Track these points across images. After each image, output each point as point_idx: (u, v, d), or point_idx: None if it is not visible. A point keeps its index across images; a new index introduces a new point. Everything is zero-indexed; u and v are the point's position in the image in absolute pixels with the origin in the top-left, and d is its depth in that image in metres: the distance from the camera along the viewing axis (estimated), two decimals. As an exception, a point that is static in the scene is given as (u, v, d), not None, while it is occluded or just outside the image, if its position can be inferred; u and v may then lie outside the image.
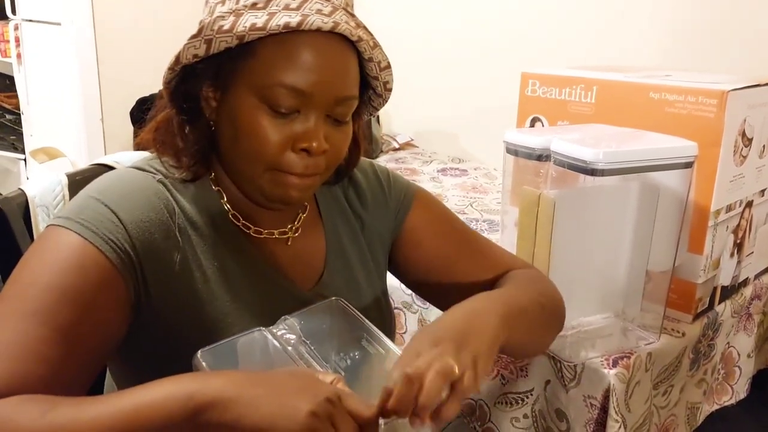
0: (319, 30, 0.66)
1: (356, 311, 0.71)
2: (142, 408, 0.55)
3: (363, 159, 0.88)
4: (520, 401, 0.96)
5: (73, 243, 0.65)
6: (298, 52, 0.66)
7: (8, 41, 2.99)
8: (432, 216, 0.89)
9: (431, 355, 0.59)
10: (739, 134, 1.00)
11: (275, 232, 0.78)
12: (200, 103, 0.71)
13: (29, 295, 0.62)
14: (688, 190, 0.93)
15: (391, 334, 0.87)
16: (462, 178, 1.89)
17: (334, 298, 0.73)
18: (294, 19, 0.65)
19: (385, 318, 0.85)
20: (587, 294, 0.94)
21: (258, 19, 0.65)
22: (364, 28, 0.71)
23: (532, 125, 1.17)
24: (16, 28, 2.91)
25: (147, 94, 2.55)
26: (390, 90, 0.77)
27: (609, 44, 1.75)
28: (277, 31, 0.65)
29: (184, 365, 0.63)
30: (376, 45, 0.72)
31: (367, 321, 0.71)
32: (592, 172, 0.83)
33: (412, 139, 2.26)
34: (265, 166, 0.69)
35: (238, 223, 0.75)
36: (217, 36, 0.65)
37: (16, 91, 3.09)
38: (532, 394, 0.96)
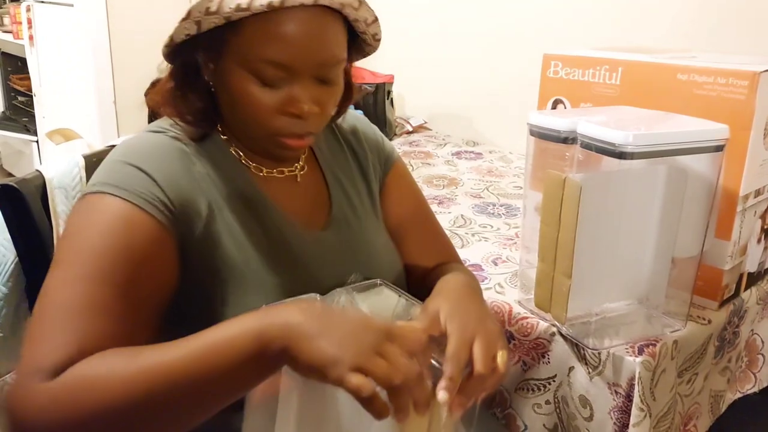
0: (301, 5, 0.69)
1: (399, 290, 0.77)
2: (218, 344, 0.58)
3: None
4: (542, 387, 0.95)
5: (115, 205, 0.68)
6: (281, 28, 0.69)
7: (20, 23, 2.98)
8: (405, 183, 0.96)
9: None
10: (769, 117, 0.97)
11: (285, 170, 0.83)
12: (198, 67, 0.76)
13: (85, 259, 0.66)
14: (718, 175, 0.91)
15: (400, 280, 0.90)
16: (477, 161, 1.86)
17: (378, 280, 0.78)
18: None
19: (390, 252, 0.89)
20: (611, 280, 0.92)
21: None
22: None
23: (554, 107, 1.14)
24: (28, 9, 2.89)
25: (161, 75, 2.53)
26: (379, 40, 0.82)
27: (629, 26, 1.71)
28: (260, 11, 0.68)
29: (225, 309, 0.70)
30: (361, 3, 0.74)
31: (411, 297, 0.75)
32: (621, 155, 0.81)
33: (425, 122, 2.23)
34: (260, 130, 0.74)
35: (249, 166, 0.80)
36: (205, 17, 0.69)
37: (28, 72, 3.08)
38: (554, 381, 0.95)
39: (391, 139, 2.07)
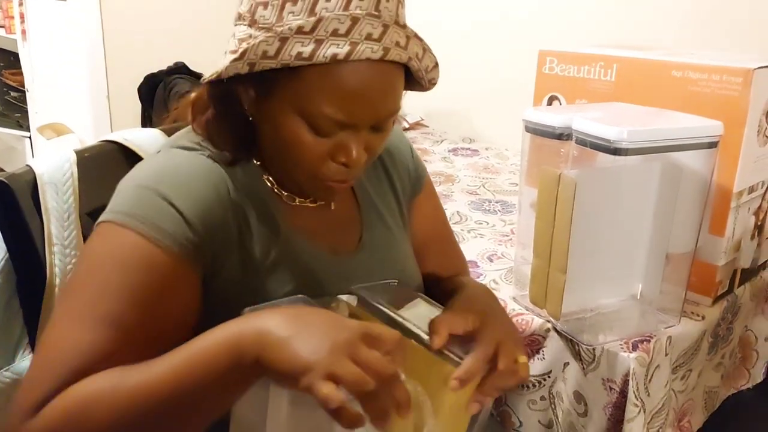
0: (367, 59, 0.63)
1: (412, 290, 0.75)
2: (196, 357, 0.57)
3: None
4: (537, 384, 0.95)
5: (136, 242, 0.64)
6: (343, 83, 0.64)
7: (13, 17, 2.95)
8: (432, 202, 0.93)
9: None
10: (763, 114, 0.98)
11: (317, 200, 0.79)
12: (237, 94, 0.70)
13: (97, 298, 0.63)
14: (712, 171, 0.91)
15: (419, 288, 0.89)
16: (473, 158, 1.86)
17: (391, 280, 0.77)
18: (342, 50, 0.62)
19: (415, 268, 0.87)
20: (606, 276, 0.92)
21: (305, 47, 0.62)
22: (415, 37, 0.67)
23: (549, 104, 1.14)
24: (21, 3, 2.87)
25: (155, 71, 2.52)
26: (435, 84, 0.76)
27: (624, 23, 1.71)
28: (322, 63, 0.62)
29: None
30: (425, 50, 0.69)
31: (425, 297, 0.74)
32: (616, 151, 0.81)
33: (422, 119, 2.23)
34: (304, 174, 0.70)
35: (281, 195, 0.76)
36: (261, 61, 0.64)
37: (20, 68, 3.06)
38: (549, 377, 0.95)
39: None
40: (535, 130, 0.94)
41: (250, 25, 0.66)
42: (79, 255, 0.67)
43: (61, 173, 0.94)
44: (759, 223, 1.08)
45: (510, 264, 1.15)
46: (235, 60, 0.64)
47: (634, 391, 0.85)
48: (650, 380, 0.89)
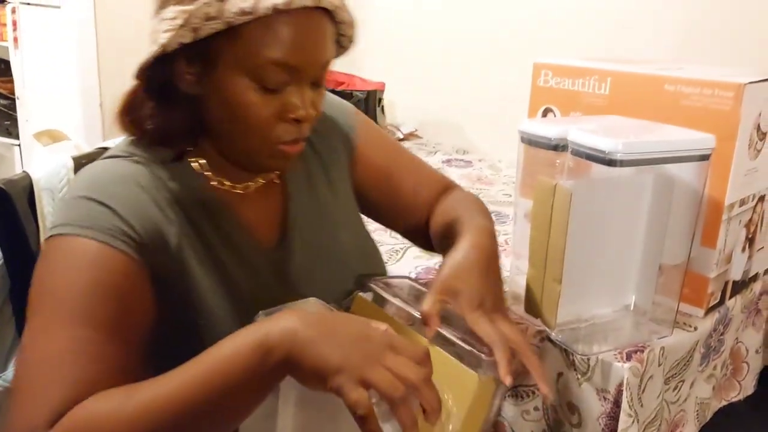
0: (303, 7, 0.68)
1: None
2: (220, 364, 0.57)
3: None
4: (531, 394, 0.95)
5: (81, 246, 0.67)
6: (285, 30, 0.68)
7: (5, 25, 2.94)
8: (374, 142, 0.95)
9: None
10: (754, 128, 0.99)
11: (251, 184, 0.81)
12: (173, 78, 0.72)
13: (59, 304, 0.64)
14: (704, 183, 0.92)
15: (378, 267, 0.92)
16: (467, 169, 1.87)
17: (405, 275, 0.82)
18: None
19: (367, 252, 0.90)
20: (600, 286, 0.93)
21: (245, 2, 0.65)
22: None
23: (544, 116, 1.15)
24: (14, 11, 2.87)
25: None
26: (353, 42, 0.82)
27: (619, 37, 1.73)
28: (264, 14, 0.66)
29: (200, 336, 0.69)
30: (343, 4, 0.75)
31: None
32: (611, 162, 0.82)
33: (416, 130, 2.24)
34: (259, 140, 0.73)
35: (218, 185, 0.78)
36: (204, 23, 0.66)
37: (11, 75, 3.05)
38: (542, 387, 0.95)
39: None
40: (531, 141, 0.94)
41: (178, 2, 0.67)
42: (35, 274, 0.67)
43: (58, 179, 0.94)
44: (750, 236, 1.09)
45: (504, 274, 1.15)
46: (179, 26, 0.66)
47: (628, 401, 0.86)
48: (644, 390, 0.89)
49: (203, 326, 0.73)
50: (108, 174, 0.73)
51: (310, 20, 0.70)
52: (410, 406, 0.54)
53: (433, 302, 0.70)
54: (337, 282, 0.85)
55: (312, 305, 0.71)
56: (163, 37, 0.68)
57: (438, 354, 0.65)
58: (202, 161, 0.78)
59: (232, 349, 0.57)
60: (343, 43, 0.80)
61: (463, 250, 0.79)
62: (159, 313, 0.71)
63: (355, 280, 0.84)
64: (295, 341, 0.55)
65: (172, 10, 0.68)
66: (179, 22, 0.66)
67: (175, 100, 0.74)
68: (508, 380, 0.65)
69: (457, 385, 0.63)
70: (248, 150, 0.74)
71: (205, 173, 0.78)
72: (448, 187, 0.98)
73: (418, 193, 0.94)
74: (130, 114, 0.76)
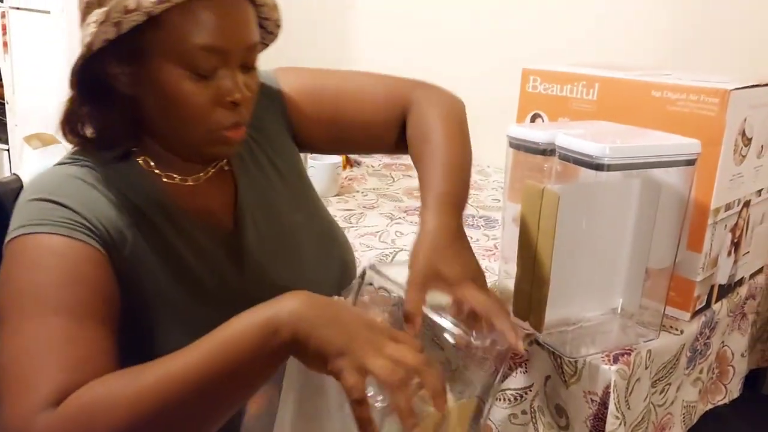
0: None
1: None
2: (228, 343, 0.57)
3: None
4: (519, 397, 0.96)
5: (40, 242, 0.67)
6: (206, 14, 0.69)
7: (-5, 29, 2.93)
8: (301, 81, 0.94)
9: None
10: (739, 134, 1.00)
11: (210, 170, 0.83)
12: (107, 80, 0.73)
13: (28, 300, 0.64)
14: (690, 188, 0.93)
15: (340, 246, 0.92)
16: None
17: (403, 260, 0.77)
18: None
19: (325, 231, 0.91)
20: (588, 290, 0.93)
21: None
22: None
23: (532, 121, 1.17)
24: (3, 15, 2.86)
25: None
26: (280, 26, 0.82)
27: (607, 43, 1.75)
28: (182, 0, 0.67)
29: (159, 327, 0.71)
30: None
31: None
32: (598, 167, 0.83)
33: (405, 136, 2.25)
34: (200, 129, 0.73)
35: (168, 180, 0.79)
36: (125, 17, 0.67)
37: (0, 80, 3.03)
38: (531, 390, 0.96)
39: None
40: (520, 146, 0.95)
41: (100, 5, 0.69)
42: (0, 277, 0.68)
43: (48, 182, 0.94)
44: (735, 240, 1.10)
45: (493, 278, 1.16)
46: (100, 23, 0.67)
47: (615, 404, 0.86)
48: (631, 393, 0.90)
49: (164, 317, 0.73)
50: (57, 176, 0.74)
51: (229, 2, 0.71)
52: (408, 393, 0.55)
53: (415, 301, 0.70)
54: (296, 261, 0.85)
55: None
56: (88, 37, 0.69)
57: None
58: (149, 159, 0.79)
59: (241, 328, 0.58)
60: (268, 27, 0.81)
61: (430, 234, 0.78)
62: (124, 303, 0.72)
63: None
64: (301, 322, 0.56)
65: (95, 13, 0.69)
66: (101, 19, 0.68)
67: (112, 103, 0.75)
68: (521, 346, 0.67)
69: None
70: (191, 140, 0.75)
71: (154, 171, 0.79)
72: (406, 94, 0.97)
73: (373, 110, 0.94)
74: (70, 123, 0.77)
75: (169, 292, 0.74)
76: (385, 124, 0.96)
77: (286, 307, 0.58)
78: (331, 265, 0.89)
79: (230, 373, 0.57)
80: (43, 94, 2.75)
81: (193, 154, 0.78)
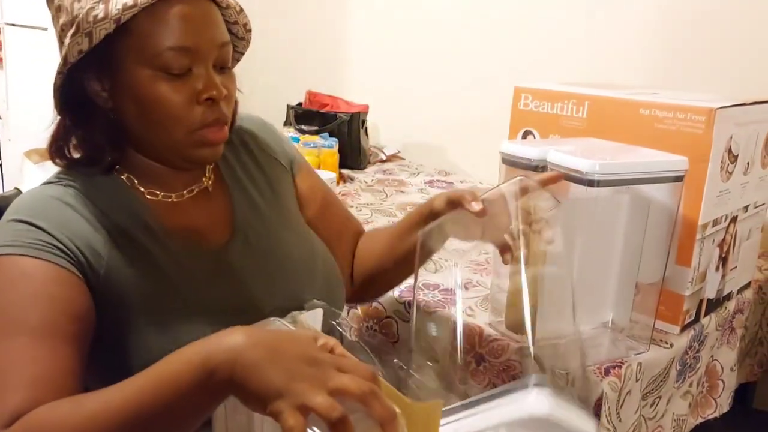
0: None
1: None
2: (165, 379, 0.57)
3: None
4: (511, 409, 0.97)
5: (9, 263, 0.69)
6: (175, 13, 0.72)
7: (-9, 45, 2.95)
8: (313, 176, 1.00)
9: None
10: (725, 151, 1.03)
11: (195, 189, 0.84)
12: (90, 100, 0.76)
13: (9, 317, 0.66)
14: (678, 204, 0.95)
15: (330, 267, 0.93)
16: (449, 190, 1.90)
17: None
18: None
19: (316, 251, 0.91)
20: (578, 304, 0.95)
21: None
22: None
23: (524, 138, 1.19)
24: (0, 31, 2.87)
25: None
26: (250, 30, 0.84)
27: (597, 63, 1.78)
28: (147, 4, 0.70)
29: (139, 343, 0.71)
30: None
31: None
32: (588, 182, 0.85)
33: (399, 152, 2.27)
34: (179, 129, 0.75)
35: (152, 198, 0.80)
36: (95, 26, 0.70)
37: (-5, 95, 3.04)
38: (523, 403, 0.97)
39: (364, 168, 2.11)
40: (512, 162, 0.97)
41: (72, 21, 0.72)
42: None
43: (47, 196, 0.95)
44: (723, 255, 1.12)
45: (485, 292, 1.17)
46: (73, 35, 0.70)
47: (606, 416, 0.88)
48: (622, 405, 0.91)
49: (147, 330, 0.73)
50: (35, 197, 0.76)
51: (194, 3, 0.73)
52: (349, 428, 0.52)
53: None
54: (284, 281, 0.86)
55: (270, 324, 0.70)
56: (63, 50, 0.72)
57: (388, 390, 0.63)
58: (132, 177, 0.80)
59: (178, 366, 0.57)
60: (238, 32, 0.83)
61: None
62: (99, 322, 0.72)
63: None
64: (238, 363, 0.55)
65: (70, 30, 0.72)
66: (73, 31, 0.71)
67: (95, 120, 0.77)
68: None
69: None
70: (172, 143, 0.76)
71: (138, 188, 0.80)
72: (361, 228, 1.07)
73: (338, 237, 0.99)
74: (57, 147, 0.79)
75: (151, 305, 0.75)
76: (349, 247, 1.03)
77: (224, 345, 0.56)
78: (315, 283, 0.89)
79: (165, 409, 0.57)
80: (38, 110, 2.76)
81: (177, 159, 0.79)
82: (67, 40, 0.72)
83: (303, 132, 2.10)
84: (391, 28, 2.28)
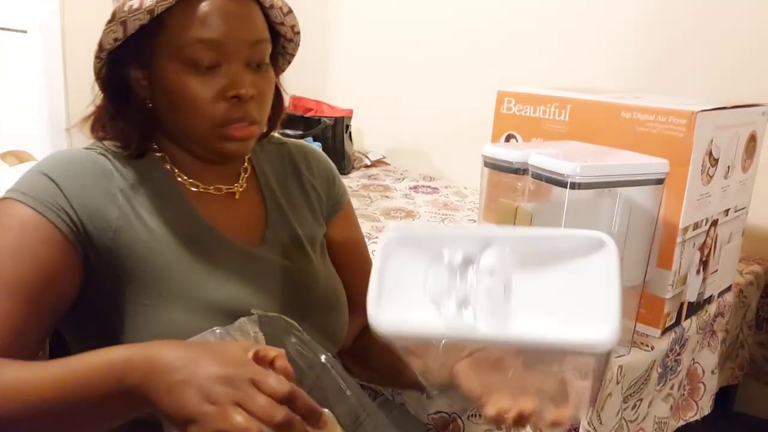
0: None
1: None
2: (81, 371, 0.58)
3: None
4: (494, 413, 0.97)
5: (19, 211, 0.70)
6: (205, 8, 0.72)
7: (-29, 47, 2.91)
8: (352, 221, 0.98)
9: None
10: (706, 154, 1.04)
11: (223, 188, 0.83)
12: (131, 87, 0.77)
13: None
14: (659, 207, 0.96)
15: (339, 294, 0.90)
16: (434, 195, 1.90)
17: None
18: None
19: (329, 281, 0.89)
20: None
21: None
22: None
23: (506, 141, 1.19)
24: (-20, 34, 2.84)
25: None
26: (298, 33, 0.83)
27: (580, 67, 1.79)
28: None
29: (131, 325, 0.71)
30: None
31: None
32: (570, 185, 0.85)
33: (383, 157, 2.27)
34: (204, 123, 0.75)
35: (184, 182, 0.80)
36: (129, 16, 0.71)
37: (-24, 98, 3.00)
38: (506, 406, 0.96)
39: (348, 173, 2.10)
40: (494, 165, 0.97)
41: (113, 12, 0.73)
42: None
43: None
44: (704, 259, 1.13)
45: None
46: (109, 22, 0.72)
47: (587, 418, 0.87)
48: (603, 408, 0.91)
49: (139, 314, 0.73)
50: (68, 156, 0.76)
51: (229, 2, 0.73)
52: (296, 425, 0.53)
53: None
54: (298, 292, 0.84)
55: (210, 335, 0.69)
56: (101, 36, 0.74)
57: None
58: (167, 157, 0.81)
59: (95, 361, 0.59)
60: (286, 34, 0.81)
61: None
62: (86, 296, 0.72)
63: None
64: (153, 382, 0.55)
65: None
66: (109, 18, 0.72)
67: (131, 108, 0.78)
68: None
69: None
70: (198, 136, 0.77)
71: (172, 169, 0.80)
72: None
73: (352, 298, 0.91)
74: (98, 124, 0.81)
75: (152, 287, 0.74)
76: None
77: (145, 352, 0.57)
78: (341, 318, 0.89)
79: (74, 402, 0.58)
80: (20, 114, 2.73)
81: (204, 151, 0.79)
82: (104, 27, 0.73)
83: (287, 136, 2.09)
84: (375, 32, 2.28)
